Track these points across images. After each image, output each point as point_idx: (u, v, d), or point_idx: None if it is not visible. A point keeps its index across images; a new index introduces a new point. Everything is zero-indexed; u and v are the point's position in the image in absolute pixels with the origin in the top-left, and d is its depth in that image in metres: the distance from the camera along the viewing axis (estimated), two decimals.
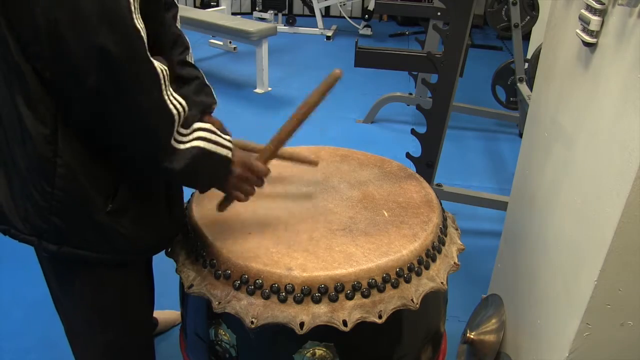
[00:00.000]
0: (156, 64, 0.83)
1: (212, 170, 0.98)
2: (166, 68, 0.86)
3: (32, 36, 0.78)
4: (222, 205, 1.11)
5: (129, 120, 0.84)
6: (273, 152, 1.10)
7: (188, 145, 0.91)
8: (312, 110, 1.08)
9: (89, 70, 0.77)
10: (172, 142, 0.88)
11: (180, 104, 0.89)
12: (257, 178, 1.06)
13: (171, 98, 0.87)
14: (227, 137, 0.98)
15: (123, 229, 0.96)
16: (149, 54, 0.82)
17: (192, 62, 1.19)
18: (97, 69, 0.77)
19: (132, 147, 0.89)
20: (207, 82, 1.20)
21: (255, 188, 1.08)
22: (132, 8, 0.78)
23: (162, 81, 0.84)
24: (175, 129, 0.89)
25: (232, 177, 1.01)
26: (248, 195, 1.07)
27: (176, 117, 0.88)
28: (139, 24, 0.79)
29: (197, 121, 0.95)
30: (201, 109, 1.17)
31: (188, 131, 0.92)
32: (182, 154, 0.90)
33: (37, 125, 0.85)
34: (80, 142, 0.88)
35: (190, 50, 1.21)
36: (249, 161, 1.04)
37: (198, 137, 0.92)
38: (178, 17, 1.15)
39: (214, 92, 1.21)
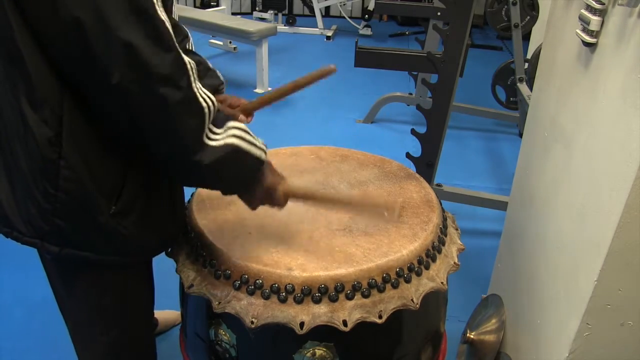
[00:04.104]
0: (184, 55, 0.82)
1: (242, 170, 0.96)
2: (193, 62, 0.85)
3: (57, 39, 0.77)
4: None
5: (158, 116, 0.81)
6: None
7: (222, 142, 0.89)
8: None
9: (115, 68, 0.76)
10: (204, 138, 0.86)
11: (209, 98, 0.87)
12: (282, 198, 1.04)
13: (200, 92, 0.85)
14: (261, 141, 0.96)
15: (126, 230, 0.96)
16: (177, 44, 0.81)
17: (193, 50, 1.20)
18: (123, 65, 0.76)
19: (160, 145, 0.86)
20: (211, 66, 1.20)
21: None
22: (155, 0, 0.77)
23: (191, 72, 0.83)
24: (207, 125, 0.87)
25: (259, 187, 0.99)
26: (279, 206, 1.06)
27: (206, 110, 0.86)
28: (163, 15, 0.78)
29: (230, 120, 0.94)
30: (211, 91, 1.18)
31: (222, 130, 0.90)
32: (214, 150, 0.88)
33: (41, 126, 0.84)
34: (84, 144, 0.87)
35: (191, 39, 1.21)
36: (280, 182, 1.02)
37: (233, 135, 0.91)
38: (174, 9, 1.14)
39: (219, 74, 1.22)
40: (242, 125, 0.94)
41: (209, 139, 0.87)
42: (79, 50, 0.76)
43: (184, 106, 0.82)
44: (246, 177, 0.97)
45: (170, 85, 0.80)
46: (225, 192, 1.02)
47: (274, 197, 1.03)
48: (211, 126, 0.88)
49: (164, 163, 0.91)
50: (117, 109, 0.81)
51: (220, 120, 0.90)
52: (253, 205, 1.04)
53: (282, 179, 1.03)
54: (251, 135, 0.94)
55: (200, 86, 0.86)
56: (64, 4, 0.73)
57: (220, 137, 0.89)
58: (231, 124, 0.92)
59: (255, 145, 0.94)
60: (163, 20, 0.78)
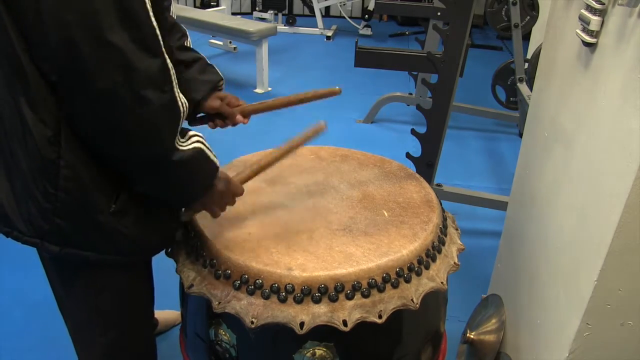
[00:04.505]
0: (168, 60, 0.83)
1: (203, 175, 0.98)
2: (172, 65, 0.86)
3: (41, 40, 0.76)
4: (187, 214, 1.10)
5: (141, 118, 0.81)
6: (250, 176, 1.13)
7: (190, 146, 0.91)
8: (294, 149, 1.15)
9: (101, 71, 0.76)
10: (176, 142, 0.88)
11: (185, 102, 0.89)
12: (232, 197, 1.07)
13: (180, 95, 0.87)
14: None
15: (126, 229, 0.96)
16: (163, 49, 0.82)
17: (191, 47, 1.20)
18: (110, 68, 0.76)
19: (138, 148, 0.86)
20: (209, 62, 1.21)
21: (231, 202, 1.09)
22: (147, 5, 0.78)
23: (173, 77, 0.84)
24: (180, 128, 0.88)
25: (215, 190, 1.01)
26: (222, 212, 1.08)
27: (182, 114, 0.87)
28: (154, 21, 0.79)
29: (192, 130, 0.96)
30: (210, 87, 1.19)
31: (185, 139, 0.92)
32: (184, 152, 0.90)
33: (39, 126, 0.84)
34: (83, 143, 0.87)
35: (189, 37, 1.21)
36: (229, 179, 1.05)
37: (197, 141, 0.94)
38: (172, 8, 1.15)
39: (218, 70, 1.22)
40: (200, 133, 0.97)
41: (179, 143, 0.89)
42: (65, 53, 0.75)
43: (167, 109, 0.84)
44: (204, 181, 0.99)
45: (156, 89, 0.81)
46: (181, 202, 1.04)
47: (230, 191, 1.05)
48: (178, 136, 0.89)
49: (137, 166, 0.90)
50: (103, 113, 0.81)
51: (182, 131, 0.92)
52: (210, 210, 1.06)
53: (227, 175, 1.06)
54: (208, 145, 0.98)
55: (178, 90, 0.87)
56: (50, 6, 0.72)
57: (187, 143, 0.91)
58: (192, 132, 0.95)
59: (212, 153, 0.98)
60: (154, 27, 0.79)
